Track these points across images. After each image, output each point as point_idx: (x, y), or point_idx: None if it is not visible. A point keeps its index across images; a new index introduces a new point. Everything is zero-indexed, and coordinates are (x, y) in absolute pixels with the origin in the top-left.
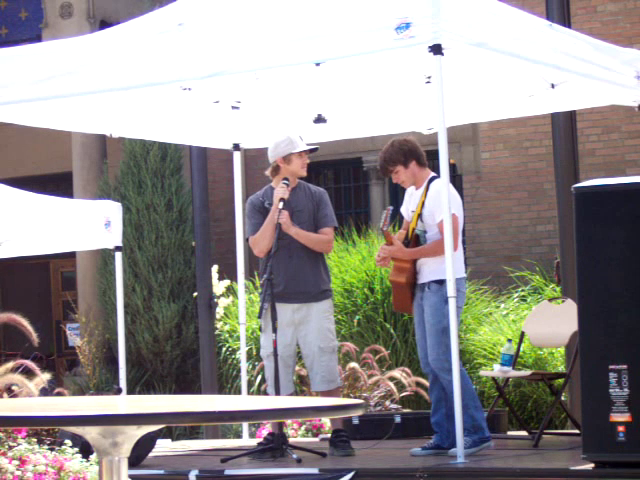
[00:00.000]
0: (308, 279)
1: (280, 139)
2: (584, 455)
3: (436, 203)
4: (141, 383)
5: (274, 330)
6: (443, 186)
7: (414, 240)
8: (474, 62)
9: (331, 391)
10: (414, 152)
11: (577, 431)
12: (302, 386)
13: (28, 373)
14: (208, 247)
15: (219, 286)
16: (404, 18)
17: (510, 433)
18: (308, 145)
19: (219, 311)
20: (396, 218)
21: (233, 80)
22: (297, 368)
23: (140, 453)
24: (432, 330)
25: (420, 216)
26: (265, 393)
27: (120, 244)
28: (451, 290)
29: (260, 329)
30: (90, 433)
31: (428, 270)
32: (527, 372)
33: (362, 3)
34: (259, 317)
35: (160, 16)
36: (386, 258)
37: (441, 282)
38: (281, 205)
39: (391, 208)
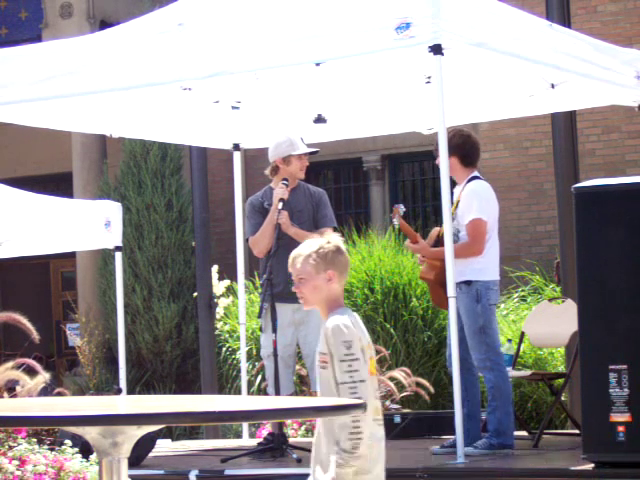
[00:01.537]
0: None
1: (281, 139)
2: (584, 455)
3: (468, 204)
4: (141, 383)
5: (274, 330)
6: (444, 189)
7: None
8: (474, 62)
9: None
10: (460, 148)
11: (577, 431)
12: (302, 386)
13: (29, 373)
14: (208, 247)
15: (219, 286)
16: (404, 18)
17: None
18: (309, 147)
19: (219, 311)
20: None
21: (233, 80)
22: (297, 368)
23: (140, 453)
24: (470, 332)
25: (455, 215)
26: (265, 392)
27: (120, 244)
28: (451, 290)
29: (260, 329)
30: (90, 433)
31: (457, 271)
32: (527, 372)
33: (362, 3)
34: (259, 317)
35: (160, 16)
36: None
37: (470, 282)
38: (280, 205)
39: (399, 205)
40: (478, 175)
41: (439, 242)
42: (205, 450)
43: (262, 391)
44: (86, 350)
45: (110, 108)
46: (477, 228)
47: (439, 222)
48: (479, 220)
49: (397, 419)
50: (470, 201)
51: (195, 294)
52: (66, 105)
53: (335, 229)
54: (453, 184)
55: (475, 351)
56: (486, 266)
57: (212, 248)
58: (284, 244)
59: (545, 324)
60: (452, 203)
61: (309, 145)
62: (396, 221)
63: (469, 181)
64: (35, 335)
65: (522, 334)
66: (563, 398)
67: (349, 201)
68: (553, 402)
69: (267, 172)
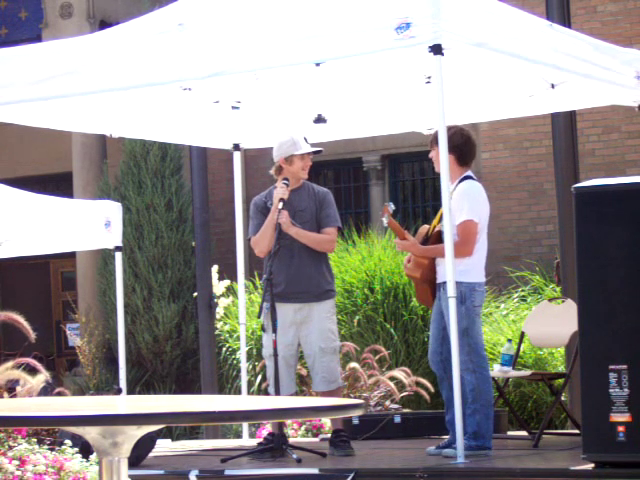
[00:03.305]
0: (310, 279)
1: (284, 139)
2: (584, 455)
3: (459, 204)
4: (141, 383)
5: (274, 330)
6: (444, 188)
7: (435, 237)
8: (474, 62)
9: (331, 391)
10: (458, 148)
11: (577, 431)
12: (302, 386)
13: (29, 372)
14: (208, 247)
15: (219, 286)
16: (404, 18)
17: (510, 433)
18: (312, 147)
19: (219, 311)
20: (402, 214)
21: (233, 80)
22: (297, 368)
23: (140, 453)
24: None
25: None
26: (266, 392)
27: (120, 244)
28: (451, 290)
29: (262, 329)
30: (90, 433)
31: (443, 270)
32: (527, 372)
33: (362, 3)
34: (259, 317)
35: (160, 16)
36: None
37: (456, 283)
38: (281, 205)
39: (389, 204)
40: (471, 175)
41: (427, 240)
42: (205, 450)
43: (262, 391)
44: (86, 350)
45: (110, 108)
46: (468, 229)
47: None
48: (470, 222)
49: (397, 419)
50: (462, 202)
51: (195, 294)
52: (66, 105)
53: (339, 229)
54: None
55: (457, 352)
56: (472, 268)
57: (212, 248)
58: (286, 244)
59: (545, 324)
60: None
61: (311, 145)
62: (385, 219)
63: (461, 180)
64: (32, 335)
65: (522, 334)
66: (563, 398)
67: (349, 201)
68: (553, 402)
69: (272, 172)
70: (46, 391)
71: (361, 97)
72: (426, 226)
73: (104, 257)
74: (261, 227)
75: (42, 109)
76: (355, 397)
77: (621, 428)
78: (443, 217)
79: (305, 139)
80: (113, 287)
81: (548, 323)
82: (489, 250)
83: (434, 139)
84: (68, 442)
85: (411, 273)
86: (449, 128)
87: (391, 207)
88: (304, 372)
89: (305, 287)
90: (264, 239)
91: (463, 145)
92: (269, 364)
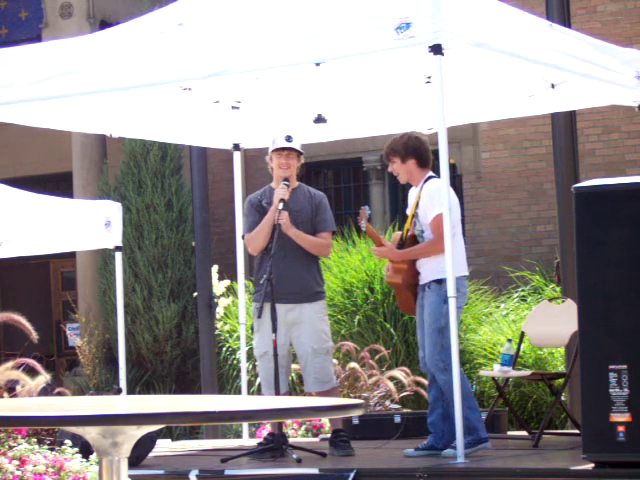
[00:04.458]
0: (301, 280)
1: (271, 139)
2: (584, 455)
3: (428, 203)
4: (141, 383)
5: (274, 330)
6: (443, 186)
7: (410, 241)
8: (474, 62)
9: (326, 392)
10: (416, 151)
11: (577, 431)
12: (302, 386)
13: (29, 373)
14: (208, 247)
15: (219, 286)
16: (404, 18)
17: (510, 433)
18: (304, 147)
19: (219, 311)
20: (402, 214)
21: (233, 80)
22: (297, 367)
23: (140, 453)
24: (429, 330)
25: (416, 216)
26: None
27: (120, 244)
28: (451, 290)
29: (251, 329)
30: (90, 433)
31: (427, 270)
32: (527, 372)
33: (362, 3)
34: (259, 317)
35: (160, 16)
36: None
37: (440, 281)
38: (281, 206)
39: (366, 207)
40: (433, 175)
41: (403, 245)
42: (205, 450)
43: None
44: (86, 350)
45: (110, 108)
46: (441, 224)
47: None
48: (441, 215)
49: (397, 419)
50: (431, 199)
51: (195, 294)
52: (66, 105)
53: (334, 233)
54: (403, 190)
55: (429, 350)
56: (455, 262)
57: (212, 248)
58: (281, 244)
59: (545, 324)
60: (409, 205)
61: (307, 145)
62: (363, 223)
63: (426, 181)
64: (34, 335)
65: (522, 334)
66: (563, 398)
67: (349, 201)
68: (553, 402)
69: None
70: (46, 391)
71: (361, 97)
72: (399, 232)
73: (104, 257)
74: (256, 225)
75: (42, 109)
76: (355, 397)
77: (621, 428)
78: (418, 218)
79: (288, 137)
80: (113, 287)
81: (548, 323)
82: (489, 250)
83: (390, 152)
84: (68, 442)
85: (392, 280)
86: (401, 136)
87: (367, 211)
88: None
89: (296, 288)
90: (260, 237)
91: (419, 148)
92: (261, 364)
